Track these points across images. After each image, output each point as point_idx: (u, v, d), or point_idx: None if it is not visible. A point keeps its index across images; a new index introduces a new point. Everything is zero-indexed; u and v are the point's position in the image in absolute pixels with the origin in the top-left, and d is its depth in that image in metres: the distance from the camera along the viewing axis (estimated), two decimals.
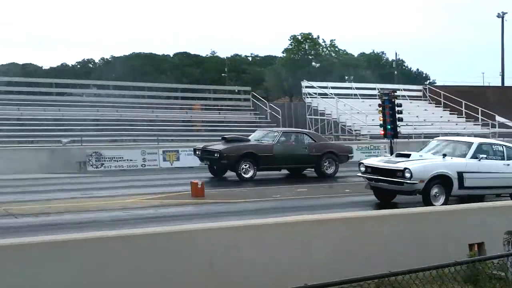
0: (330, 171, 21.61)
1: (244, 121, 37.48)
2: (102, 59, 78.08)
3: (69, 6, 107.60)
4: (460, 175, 14.91)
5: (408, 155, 15.55)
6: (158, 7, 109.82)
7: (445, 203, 14.39)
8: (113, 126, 32.57)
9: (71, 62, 78.53)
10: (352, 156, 22.93)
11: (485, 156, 15.39)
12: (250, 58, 78.61)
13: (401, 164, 14.83)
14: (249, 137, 22.01)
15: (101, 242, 6.62)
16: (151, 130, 32.24)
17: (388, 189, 15.19)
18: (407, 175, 14.37)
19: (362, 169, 15.80)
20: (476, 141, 16.27)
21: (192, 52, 76.44)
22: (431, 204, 14.10)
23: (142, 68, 66.65)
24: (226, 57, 75.20)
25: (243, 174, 20.10)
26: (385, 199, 15.73)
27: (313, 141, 21.83)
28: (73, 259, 6.25)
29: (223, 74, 68.47)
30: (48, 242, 6.53)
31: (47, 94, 36.37)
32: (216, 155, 20.20)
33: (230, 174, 20.81)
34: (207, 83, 56.36)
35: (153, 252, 6.63)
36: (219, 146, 20.79)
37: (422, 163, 14.97)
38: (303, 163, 21.59)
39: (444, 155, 15.26)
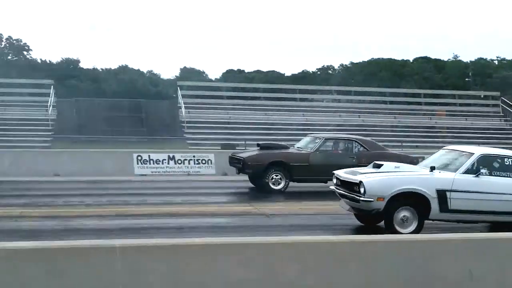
0: None
1: (493, 128, 35.52)
2: (341, 65, 79.56)
3: (295, 19, 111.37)
4: (442, 194, 11.27)
5: (380, 166, 12.11)
6: (405, 13, 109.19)
7: (417, 231, 11.11)
8: (355, 132, 32.64)
9: (311, 69, 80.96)
10: None
11: (487, 171, 11.55)
12: (496, 62, 74.87)
13: (361, 176, 11.62)
14: (295, 145, 19.73)
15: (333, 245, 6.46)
16: (393, 136, 31.82)
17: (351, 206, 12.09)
18: (362, 189, 11.21)
19: (334, 180, 12.72)
20: (478, 152, 12.08)
21: (433, 57, 74.87)
22: (395, 231, 10.97)
23: (381, 74, 66.55)
24: (470, 61, 72.39)
25: (271, 185, 17.83)
26: (367, 221, 12.38)
27: (365, 150, 18.81)
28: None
29: (466, 79, 65.82)
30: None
31: (292, 100, 37.59)
32: (240, 163, 18.32)
33: None
34: (449, 88, 54.54)
35: (391, 257, 6.30)
36: (246, 153, 19.07)
37: (385, 176, 11.57)
38: None
39: (433, 168, 11.66)
